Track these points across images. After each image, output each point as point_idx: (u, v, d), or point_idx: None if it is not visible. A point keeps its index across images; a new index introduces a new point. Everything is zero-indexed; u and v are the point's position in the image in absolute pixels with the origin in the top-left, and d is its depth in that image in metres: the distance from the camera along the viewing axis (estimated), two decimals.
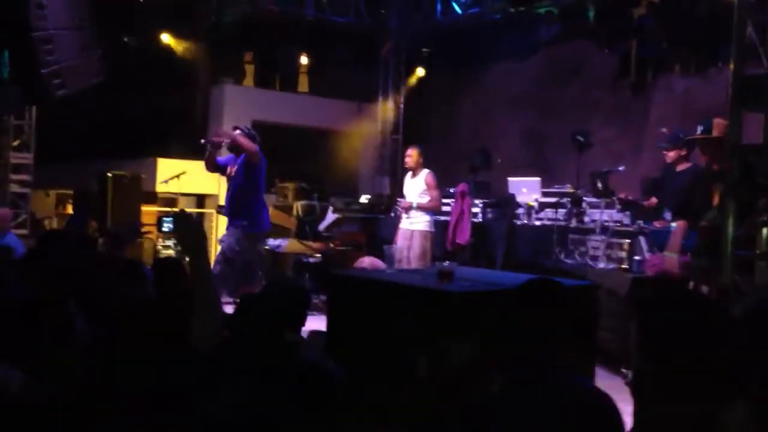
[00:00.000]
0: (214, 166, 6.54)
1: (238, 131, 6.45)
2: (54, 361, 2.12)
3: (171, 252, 9.01)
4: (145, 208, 10.20)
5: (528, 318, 2.39)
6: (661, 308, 1.98)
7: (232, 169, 6.48)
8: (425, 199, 7.38)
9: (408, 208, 7.36)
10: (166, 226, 8.86)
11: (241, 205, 6.40)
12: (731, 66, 4.85)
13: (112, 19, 10.42)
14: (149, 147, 11.34)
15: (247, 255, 6.29)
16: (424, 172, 7.44)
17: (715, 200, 5.10)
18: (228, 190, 6.52)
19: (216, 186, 11.49)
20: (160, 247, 9.52)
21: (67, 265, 4.22)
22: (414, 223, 7.31)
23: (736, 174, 4.86)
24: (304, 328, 3.36)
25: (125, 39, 12.16)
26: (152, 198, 10.75)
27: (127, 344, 2.20)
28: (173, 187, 9.75)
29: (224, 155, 6.79)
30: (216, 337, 2.56)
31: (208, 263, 3.16)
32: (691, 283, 5.13)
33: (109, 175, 9.69)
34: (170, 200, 11.32)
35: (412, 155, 7.50)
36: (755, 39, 4.91)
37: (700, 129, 5.34)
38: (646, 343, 1.89)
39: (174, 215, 6.30)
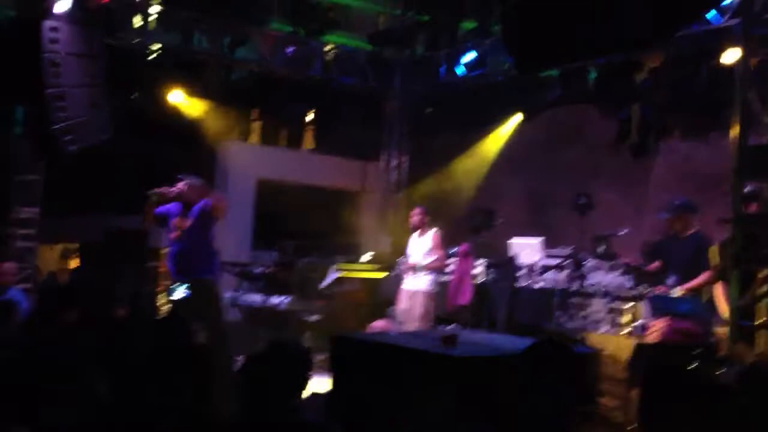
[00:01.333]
0: (155, 219, 6.40)
1: (184, 183, 6.32)
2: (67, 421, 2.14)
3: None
4: (149, 265, 10.22)
5: (534, 381, 2.42)
6: (664, 377, 2.02)
7: (182, 222, 6.29)
8: (430, 259, 7.42)
9: (413, 269, 7.40)
10: (178, 294, 8.86)
11: (206, 256, 6.33)
12: (734, 135, 4.92)
13: (122, 76, 10.64)
14: (146, 197, 11.41)
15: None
16: (431, 232, 7.50)
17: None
18: (179, 243, 6.29)
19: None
20: (161, 304, 9.51)
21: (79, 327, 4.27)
22: (417, 284, 7.33)
23: (739, 244, 4.91)
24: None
25: (133, 96, 12.36)
26: (157, 255, 10.78)
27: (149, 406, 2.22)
28: None
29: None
30: (231, 398, 2.58)
31: (225, 327, 3.20)
32: None
33: (114, 231, 9.75)
34: None
35: (417, 215, 7.57)
36: (758, 108, 5.00)
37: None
38: (649, 410, 1.93)
39: (190, 281, 6.30)
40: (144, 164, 11.39)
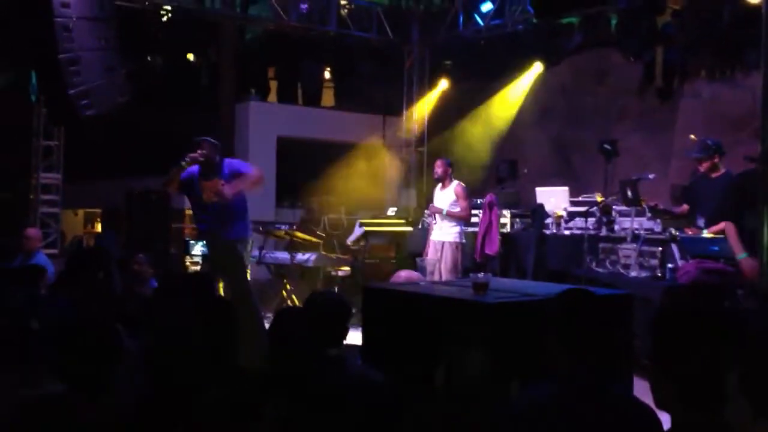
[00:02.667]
0: (181, 184, 6.22)
1: (207, 144, 6.14)
2: (108, 380, 2.14)
3: (198, 268, 9.06)
4: (173, 226, 10.27)
5: (566, 328, 2.38)
6: (672, 319, 1.97)
7: (216, 184, 6.09)
8: (456, 209, 7.39)
9: (438, 213, 7.37)
10: (198, 250, 8.88)
11: (244, 217, 6.28)
12: (762, 71, 4.80)
13: (137, 39, 10.58)
14: (176, 165, 11.44)
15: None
16: (454, 183, 7.44)
17: None
18: (216, 204, 6.10)
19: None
20: (188, 264, 9.57)
21: (104, 286, 4.28)
22: (444, 235, 7.30)
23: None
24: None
25: (149, 58, 12.33)
26: (180, 215, 10.82)
27: (175, 363, 2.21)
28: None
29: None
30: (263, 353, 2.57)
31: (246, 281, 3.18)
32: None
33: (137, 192, 9.78)
34: None
35: (441, 167, 7.50)
36: None
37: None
38: (659, 352, 1.89)
39: (208, 239, 6.29)
40: (162, 126, 11.40)
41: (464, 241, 7.42)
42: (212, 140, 6.22)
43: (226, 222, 6.12)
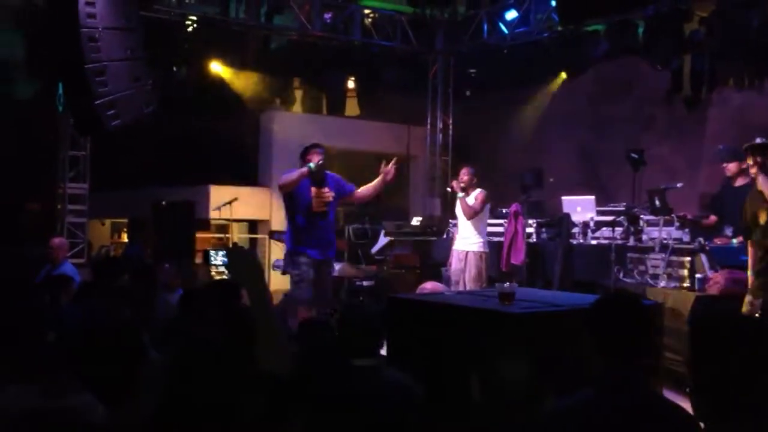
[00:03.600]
0: (295, 187, 5.97)
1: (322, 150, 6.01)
2: (131, 390, 2.12)
3: (224, 277, 9.08)
4: (198, 235, 10.31)
5: (601, 335, 2.33)
6: (714, 327, 1.94)
7: (325, 193, 5.98)
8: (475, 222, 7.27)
9: (458, 187, 7.25)
10: (219, 260, 8.91)
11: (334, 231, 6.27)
12: None
13: (163, 49, 10.67)
14: (201, 174, 11.53)
15: None
16: (477, 191, 7.36)
17: (762, 218, 4.96)
18: (324, 216, 5.99)
19: (267, 211, 11.59)
20: (214, 274, 9.61)
21: (131, 294, 4.29)
22: (468, 245, 7.23)
23: None
24: None
25: (175, 68, 12.42)
26: (205, 225, 10.87)
27: (197, 371, 2.19)
28: (225, 214, 9.84)
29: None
30: (284, 363, 2.55)
31: (267, 291, 3.17)
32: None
33: (163, 203, 9.83)
34: (223, 227, 11.43)
35: (466, 174, 7.43)
36: None
37: (759, 140, 5.19)
38: (699, 360, 1.87)
39: (226, 250, 6.28)
40: (187, 136, 11.48)
41: (488, 250, 7.34)
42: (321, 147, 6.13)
43: (329, 235, 6.11)
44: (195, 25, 10.38)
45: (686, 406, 2.05)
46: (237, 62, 11.64)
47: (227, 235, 11.24)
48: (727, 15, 9.72)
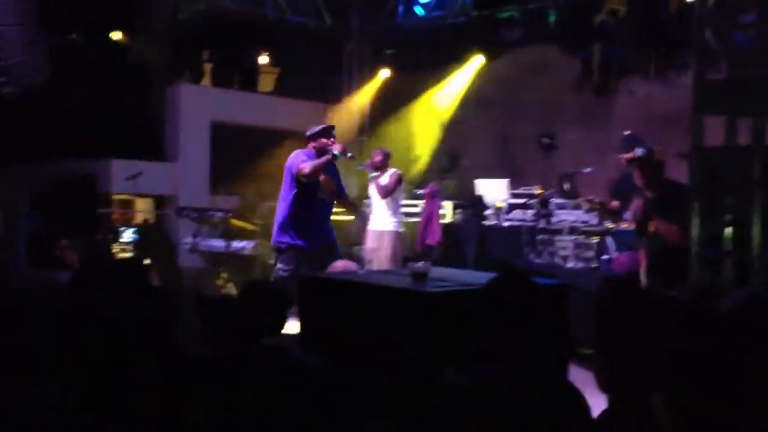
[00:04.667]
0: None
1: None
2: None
3: (128, 255, 8.80)
4: (99, 211, 9.94)
5: (505, 314, 2.37)
6: (618, 305, 2.01)
7: (331, 183, 5.80)
8: (389, 201, 7.27)
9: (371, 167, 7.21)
10: (128, 237, 8.62)
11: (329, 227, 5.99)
12: (693, 72, 4.95)
13: (59, 15, 10.16)
14: (103, 148, 11.08)
15: None
16: (390, 171, 7.36)
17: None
18: (326, 206, 5.87)
19: (174, 187, 11.29)
20: (116, 250, 9.29)
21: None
22: (383, 224, 7.24)
23: (700, 176, 4.96)
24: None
25: (75, 36, 11.84)
26: (107, 200, 10.49)
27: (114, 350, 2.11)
28: (129, 189, 9.51)
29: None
30: (193, 341, 2.48)
31: (178, 269, 3.09)
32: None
33: (62, 177, 9.43)
34: (126, 202, 11.07)
35: (378, 155, 7.43)
36: (715, 45, 5.00)
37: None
38: (604, 337, 1.93)
39: (137, 227, 6.06)
40: (89, 108, 10.99)
41: (403, 230, 7.38)
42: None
43: (326, 221, 5.87)
44: None
45: (591, 378, 2.11)
46: (142, 32, 11.19)
47: (131, 211, 10.89)
48: (636, 7, 10.05)
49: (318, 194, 5.75)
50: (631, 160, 5.43)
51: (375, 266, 6.78)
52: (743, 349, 1.81)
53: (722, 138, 5.23)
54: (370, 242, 7.27)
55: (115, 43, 10.99)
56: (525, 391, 2.15)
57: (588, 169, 7.96)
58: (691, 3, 8.24)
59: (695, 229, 4.94)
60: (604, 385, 1.98)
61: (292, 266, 5.69)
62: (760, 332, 1.91)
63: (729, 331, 1.88)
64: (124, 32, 10.92)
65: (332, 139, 5.79)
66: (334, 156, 5.64)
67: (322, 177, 5.70)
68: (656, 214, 5.23)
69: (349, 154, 5.79)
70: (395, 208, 7.30)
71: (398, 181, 7.23)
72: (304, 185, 5.68)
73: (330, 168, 5.78)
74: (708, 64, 5.07)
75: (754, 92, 4.72)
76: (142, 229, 5.81)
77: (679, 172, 5.85)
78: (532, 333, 2.34)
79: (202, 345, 2.76)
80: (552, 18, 11.21)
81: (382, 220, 7.27)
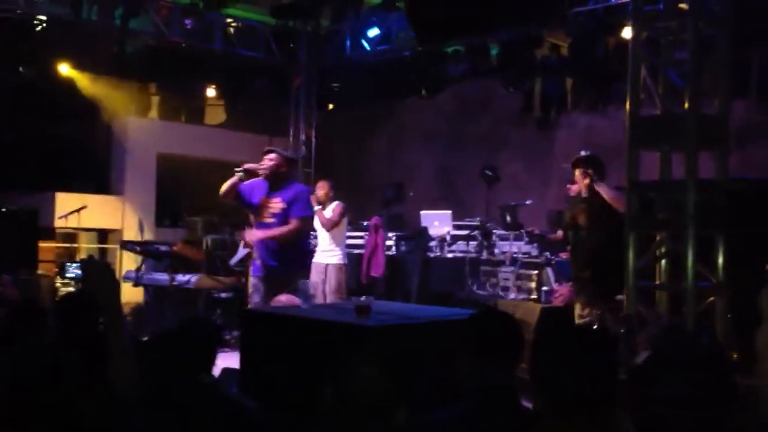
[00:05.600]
0: (236, 196, 5.71)
1: (275, 157, 5.65)
2: None
3: (71, 289, 8.63)
4: (42, 245, 9.75)
5: (483, 347, 2.43)
6: (553, 335, 2.08)
7: (271, 202, 5.66)
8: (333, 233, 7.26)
9: (314, 200, 6.98)
10: (72, 272, 8.47)
11: (299, 247, 5.79)
12: (627, 107, 5.12)
13: (8, 49, 10.06)
14: (47, 181, 10.90)
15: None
16: (334, 204, 7.34)
17: (581, 219, 5.38)
18: (266, 225, 5.65)
19: (119, 221, 11.15)
20: (59, 285, 9.10)
21: None
22: (328, 257, 7.24)
23: (635, 209, 5.10)
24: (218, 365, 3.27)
25: (21, 69, 11.71)
26: (50, 234, 10.29)
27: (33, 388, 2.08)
28: (73, 223, 9.37)
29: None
30: (133, 381, 2.47)
31: (120, 309, 3.06)
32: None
33: (3, 210, 9.24)
34: (70, 236, 10.88)
35: (322, 188, 7.38)
36: (649, 81, 5.19)
37: (584, 152, 5.60)
38: (539, 366, 1.99)
39: (81, 261, 5.94)
40: (34, 140, 10.84)
41: (347, 262, 7.39)
42: (286, 153, 5.79)
43: (275, 249, 5.61)
44: (44, 25, 9.85)
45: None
46: (89, 65, 11.12)
47: (74, 245, 10.71)
48: (576, 43, 10.36)
49: (257, 217, 5.71)
50: (576, 162, 5.49)
51: (320, 300, 6.77)
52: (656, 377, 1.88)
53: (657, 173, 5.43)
54: (314, 275, 7.26)
55: (63, 77, 10.89)
56: (503, 423, 2.19)
57: (529, 201, 8.15)
58: (627, 40, 8.57)
59: (631, 262, 5.07)
60: (540, 412, 2.03)
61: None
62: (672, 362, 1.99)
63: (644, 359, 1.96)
64: (71, 66, 10.83)
65: (264, 160, 5.72)
66: (240, 177, 5.60)
67: (262, 198, 5.65)
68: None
69: (239, 171, 5.63)
70: (340, 240, 7.31)
71: (342, 213, 7.23)
72: (242, 205, 5.77)
73: (273, 190, 5.68)
74: (643, 100, 5.25)
75: (687, 127, 4.89)
76: (85, 264, 5.66)
77: None
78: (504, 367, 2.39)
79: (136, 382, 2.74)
80: (493, 52, 11.48)
81: (326, 252, 7.27)
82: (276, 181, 5.66)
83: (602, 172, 5.41)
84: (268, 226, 5.65)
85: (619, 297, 5.16)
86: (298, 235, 5.73)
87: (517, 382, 2.36)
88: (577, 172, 5.43)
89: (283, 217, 5.62)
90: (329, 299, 6.89)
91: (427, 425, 2.30)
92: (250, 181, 5.71)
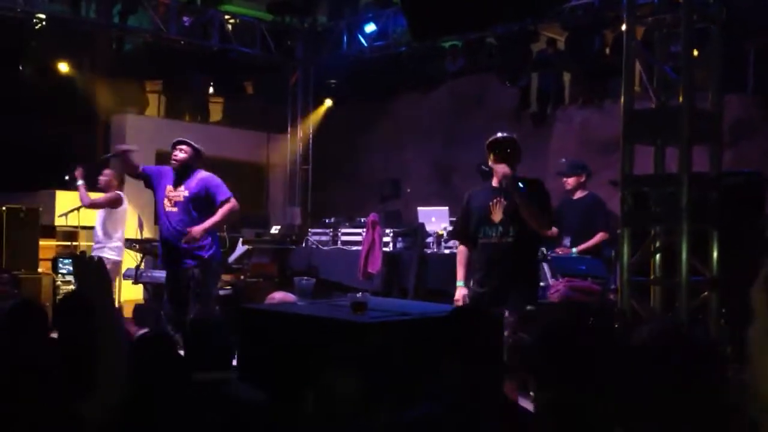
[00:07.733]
0: (137, 173, 5.78)
1: (186, 147, 5.68)
2: None
3: (71, 288, 8.65)
4: (43, 243, 9.77)
5: (462, 344, 2.45)
6: (555, 332, 2.09)
7: (176, 191, 5.64)
8: None
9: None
10: (64, 268, 8.51)
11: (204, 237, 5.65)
12: (622, 101, 5.13)
13: (7, 48, 10.10)
14: (47, 179, 10.93)
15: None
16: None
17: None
18: (169, 215, 5.61)
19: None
20: (59, 283, 9.13)
21: None
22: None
23: (630, 203, 5.12)
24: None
25: (21, 68, 11.76)
26: (50, 232, 10.32)
27: (29, 391, 2.11)
28: (73, 221, 9.40)
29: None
30: (122, 379, 2.49)
31: (113, 305, 3.09)
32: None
33: (4, 208, 9.26)
34: (69, 234, 10.90)
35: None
36: (644, 76, 5.20)
37: (501, 134, 5.04)
38: (542, 363, 2.01)
39: (73, 258, 5.94)
40: (34, 139, 10.88)
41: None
42: (195, 145, 5.74)
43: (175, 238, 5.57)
44: (43, 24, 9.87)
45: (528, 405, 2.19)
46: (88, 63, 11.15)
47: (74, 243, 10.73)
48: (572, 37, 10.37)
49: (162, 205, 5.72)
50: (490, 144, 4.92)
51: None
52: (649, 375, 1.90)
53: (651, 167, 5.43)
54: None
55: (63, 75, 10.92)
56: (488, 420, 2.21)
57: None
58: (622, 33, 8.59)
59: (625, 257, 5.09)
60: (543, 412, 2.04)
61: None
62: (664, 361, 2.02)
63: (638, 359, 1.98)
64: (70, 64, 10.86)
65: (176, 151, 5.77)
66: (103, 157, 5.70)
67: (168, 187, 5.68)
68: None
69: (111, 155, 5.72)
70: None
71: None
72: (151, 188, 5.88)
73: (178, 181, 5.68)
74: (638, 95, 5.25)
75: (681, 122, 4.89)
76: (77, 260, 5.66)
77: (615, 200, 6.03)
78: (484, 361, 2.41)
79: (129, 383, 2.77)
80: (491, 48, 11.50)
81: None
82: (183, 171, 5.70)
83: (518, 157, 4.88)
84: (172, 214, 5.66)
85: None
86: (234, 215, 5.88)
87: (501, 377, 2.38)
88: (490, 156, 4.86)
89: (185, 206, 5.63)
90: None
91: (410, 422, 2.33)
92: (160, 167, 5.91)
